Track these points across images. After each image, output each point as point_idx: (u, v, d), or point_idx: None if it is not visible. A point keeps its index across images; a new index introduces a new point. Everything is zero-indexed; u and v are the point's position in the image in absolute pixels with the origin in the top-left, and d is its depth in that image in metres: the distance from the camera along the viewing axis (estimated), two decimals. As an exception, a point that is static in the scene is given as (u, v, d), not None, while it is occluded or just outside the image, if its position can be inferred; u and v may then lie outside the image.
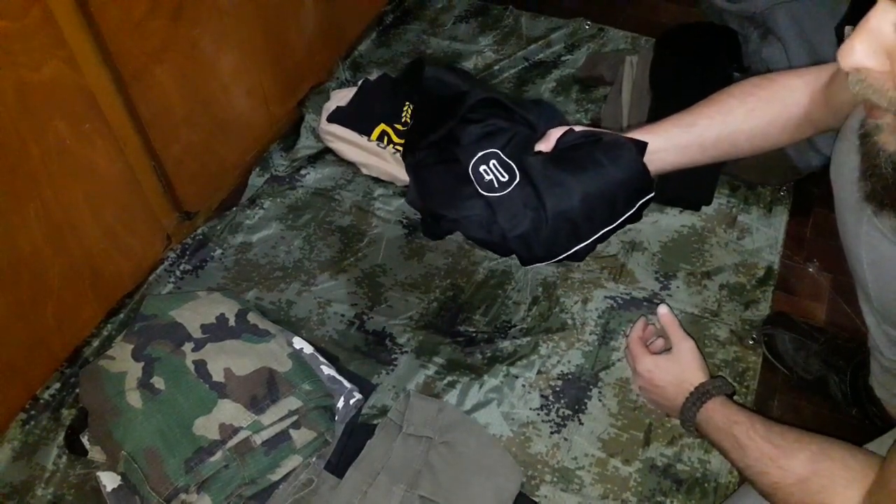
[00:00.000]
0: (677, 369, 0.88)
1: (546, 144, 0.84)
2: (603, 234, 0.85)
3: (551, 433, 0.99)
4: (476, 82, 0.90)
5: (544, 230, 0.81)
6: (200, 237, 1.23)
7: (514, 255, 0.87)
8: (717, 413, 0.80)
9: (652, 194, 0.86)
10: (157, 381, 0.92)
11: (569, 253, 0.84)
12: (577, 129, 0.85)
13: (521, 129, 0.85)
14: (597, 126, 1.36)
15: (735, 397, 1.01)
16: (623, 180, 0.82)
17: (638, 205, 0.85)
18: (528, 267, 1.13)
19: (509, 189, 0.80)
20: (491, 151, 0.82)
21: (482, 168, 0.81)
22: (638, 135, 0.85)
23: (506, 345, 1.08)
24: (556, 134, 0.84)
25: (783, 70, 1.17)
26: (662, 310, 0.94)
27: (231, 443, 0.87)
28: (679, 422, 0.89)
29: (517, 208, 0.80)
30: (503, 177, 0.81)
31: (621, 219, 0.84)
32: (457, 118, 0.84)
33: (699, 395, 0.83)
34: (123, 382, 0.92)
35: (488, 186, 0.81)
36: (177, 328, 0.98)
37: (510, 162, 0.81)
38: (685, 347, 0.89)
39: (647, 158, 0.84)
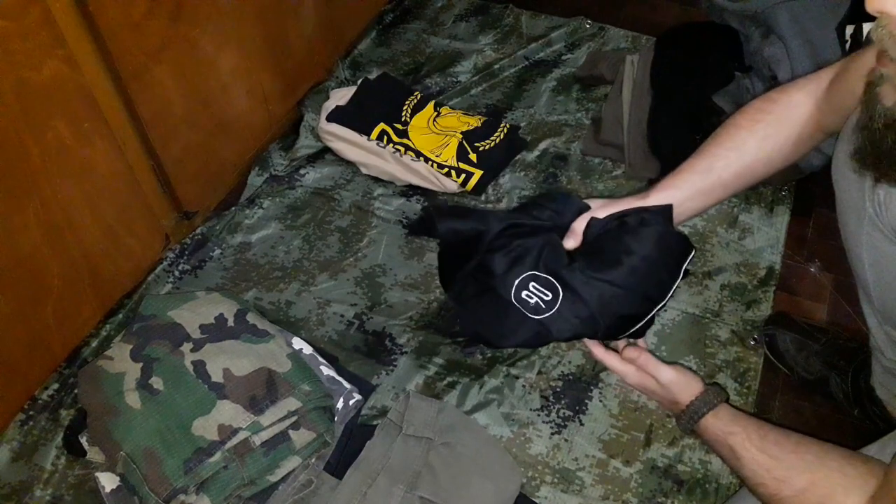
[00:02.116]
0: (664, 392, 0.86)
1: (574, 239, 0.81)
2: (660, 307, 0.83)
3: (552, 434, 0.99)
4: (489, 215, 0.88)
5: (601, 331, 0.80)
6: (199, 237, 1.23)
7: None
8: (710, 427, 0.79)
9: (693, 251, 0.84)
10: (156, 382, 0.91)
11: (630, 332, 0.83)
12: (599, 214, 0.81)
13: (546, 237, 0.83)
14: (597, 125, 1.37)
15: (737, 398, 1.02)
16: (659, 258, 0.80)
17: (684, 268, 0.83)
18: None
19: (557, 306, 0.78)
20: (527, 276, 0.79)
21: (524, 294, 0.79)
22: (659, 194, 0.82)
23: (506, 345, 1.08)
24: (580, 226, 0.81)
25: (784, 74, 1.17)
26: (630, 353, 0.89)
27: (230, 443, 0.87)
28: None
29: (571, 321, 0.79)
30: (546, 296, 0.79)
31: (673, 288, 0.82)
32: (481, 254, 0.83)
33: (690, 415, 0.82)
34: (122, 383, 0.92)
35: (535, 309, 0.79)
36: (175, 328, 0.97)
37: (549, 278, 0.80)
38: (665, 378, 0.86)
39: (674, 214, 0.81)
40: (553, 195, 0.88)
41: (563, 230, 0.83)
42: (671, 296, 0.82)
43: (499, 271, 0.81)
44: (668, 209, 0.81)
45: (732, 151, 0.83)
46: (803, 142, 0.83)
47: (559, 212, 0.85)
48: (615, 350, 0.89)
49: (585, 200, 0.84)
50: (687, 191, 0.83)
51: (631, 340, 0.90)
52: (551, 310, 0.79)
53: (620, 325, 0.81)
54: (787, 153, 0.83)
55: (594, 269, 0.79)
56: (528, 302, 0.79)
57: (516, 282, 0.80)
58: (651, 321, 0.83)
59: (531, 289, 0.79)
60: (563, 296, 0.79)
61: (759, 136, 0.82)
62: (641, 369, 0.85)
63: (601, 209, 0.82)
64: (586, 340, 0.91)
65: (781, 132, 0.82)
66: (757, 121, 0.83)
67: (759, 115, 0.83)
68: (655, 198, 0.82)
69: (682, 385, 0.84)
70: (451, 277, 0.87)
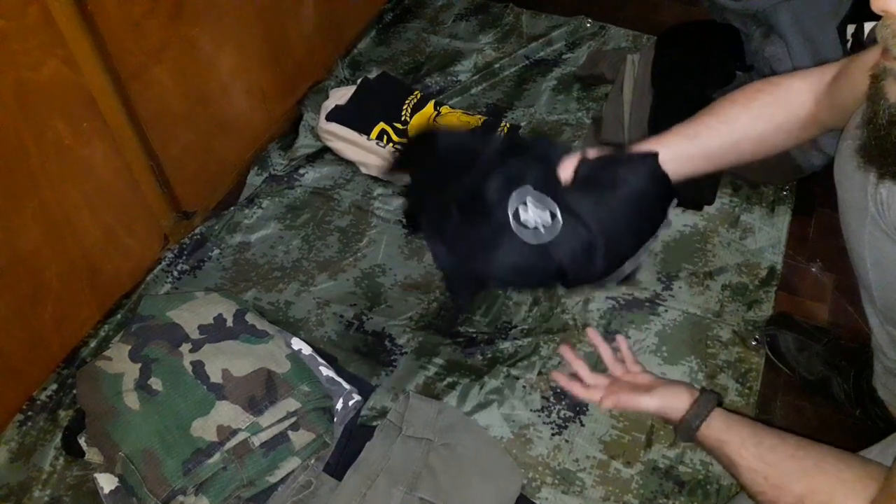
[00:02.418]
0: (655, 414, 0.87)
1: (564, 175, 0.82)
2: (649, 244, 0.83)
3: (552, 435, 0.99)
4: (486, 136, 0.87)
5: (599, 257, 0.79)
6: (198, 237, 1.22)
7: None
8: (705, 439, 0.79)
9: (676, 197, 0.84)
10: (155, 383, 0.91)
11: (622, 275, 0.82)
12: (590, 154, 0.83)
13: (539, 165, 0.83)
14: (598, 124, 1.37)
15: (738, 399, 1.01)
16: (652, 192, 0.80)
17: (671, 210, 0.83)
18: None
19: (556, 231, 0.78)
20: (524, 189, 0.78)
21: (522, 217, 0.79)
22: (644, 148, 0.83)
23: (506, 346, 1.07)
24: (570, 164, 0.82)
25: (785, 73, 1.16)
26: (608, 403, 0.87)
27: (229, 444, 0.87)
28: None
29: (568, 244, 0.78)
30: (545, 218, 0.78)
31: (660, 228, 0.82)
32: (472, 175, 0.82)
33: (684, 430, 0.82)
34: (121, 383, 0.92)
35: (533, 233, 0.78)
36: (174, 329, 0.97)
37: (546, 200, 0.79)
38: (651, 408, 0.86)
39: None
40: (536, 139, 0.88)
41: (550, 171, 0.83)
42: (658, 237, 0.81)
43: (492, 192, 0.79)
44: (655, 154, 0.81)
45: (723, 124, 0.82)
46: (796, 131, 0.82)
47: (546, 152, 0.85)
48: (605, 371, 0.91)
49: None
50: (669, 152, 0.82)
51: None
52: (550, 234, 0.77)
53: (615, 260, 0.79)
54: (778, 139, 0.83)
55: (592, 195, 0.78)
56: (527, 226, 0.78)
57: (513, 196, 0.78)
58: (639, 266, 0.82)
59: (529, 205, 0.78)
60: (563, 220, 0.77)
61: (752, 114, 0.82)
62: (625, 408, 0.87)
63: (588, 153, 0.82)
64: (563, 383, 0.92)
65: (776, 115, 0.82)
66: (753, 99, 0.82)
67: (757, 95, 0.83)
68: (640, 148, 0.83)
69: (669, 404, 0.84)
70: (424, 208, 0.85)
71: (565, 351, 1.00)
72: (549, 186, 0.80)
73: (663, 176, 0.81)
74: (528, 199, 0.78)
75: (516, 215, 0.78)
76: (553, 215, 0.78)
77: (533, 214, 0.78)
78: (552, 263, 0.78)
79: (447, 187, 0.83)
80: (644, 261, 0.84)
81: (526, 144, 0.87)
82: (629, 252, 0.81)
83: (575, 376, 0.93)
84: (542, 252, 0.78)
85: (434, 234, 0.85)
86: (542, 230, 0.77)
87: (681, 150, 0.83)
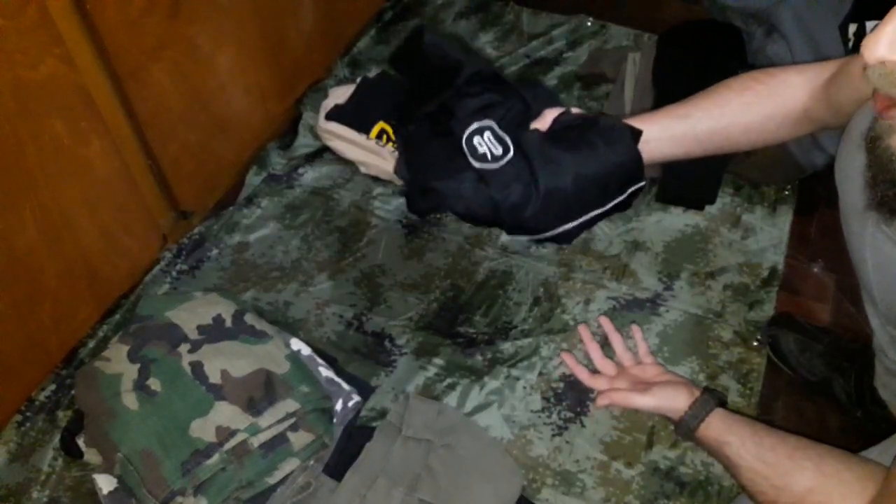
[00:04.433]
0: (655, 413, 0.87)
1: (542, 123, 0.83)
2: (592, 217, 0.84)
3: (553, 436, 0.98)
4: (475, 55, 0.89)
5: (534, 204, 0.80)
6: (197, 237, 1.22)
7: (509, 245, 0.86)
8: (704, 439, 0.79)
9: (643, 183, 0.85)
10: (153, 383, 0.91)
11: (556, 232, 0.83)
12: (574, 111, 0.84)
13: (516, 104, 0.85)
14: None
15: (739, 400, 1.01)
16: (617, 164, 0.81)
17: (629, 192, 0.84)
18: (530, 264, 1.14)
19: (502, 162, 0.80)
20: (486, 124, 0.82)
21: (476, 140, 0.81)
22: (632, 123, 0.83)
23: (506, 346, 1.07)
24: (552, 114, 0.83)
25: (785, 66, 1.16)
26: (601, 403, 0.91)
27: (228, 445, 0.87)
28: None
29: (509, 180, 0.80)
30: (496, 150, 0.81)
31: (611, 203, 0.83)
32: (452, 89, 0.84)
33: (684, 430, 0.82)
34: (119, 384, 0.91)
35: (481, 158, 0.81)
36: (173, 329, 0.97)
37: (504, 136, 0.81)
38: (648, 407, 0.88)
39: (640, 147, 0.83)
40: (539, 85, 0.90)
41: (536, 115, 0.85)
42: (605, 212, 0.83)
43: (460, 114, 0.82)
44: (637, 131, 0.82)
45: (714, 108, 0.82)
46: (788, 124, 0.82)
47: (537, 98, 0.87)
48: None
49: None
50: (658, 130, 0.82)
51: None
52: (497, 163, 0.80)
53: (552, 209, 0.81)
54: (768, 129, 0.82)
55: (553, 144, 0.80)
56: (477, 149, 0.80)
57: (474, 126, 0.81)
58: (579, 230, 0.83)
59: (485, 138, 0.81)
60: (512, 154, 0.80)
61: (744, 101, 0.81)
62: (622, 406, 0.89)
63: (572, 110, 0.84)
64: (571, 364, 0.93)
65: (768, 105, 0.81)
66: (748, 87, 0.82)
67: (752, 84, 0.82)
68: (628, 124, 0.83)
69: (668, 404, 0.85)
70: (408, 119, 0.88)
71: (583, 330, 1.01)
72: (514, 124, 0.82)
73: (635, 155, 0.82)
74: (488, 132, 0.81)
75: (470, 139, 0.80)
76: (506, 150, 0.79)
77: (487, 142, 0.80)
78: (492, 197, 0.80)
79: (425, 100, 0.85)
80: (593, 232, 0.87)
81: (520, 83, 0.87)
82: (572, 214, 0.82)
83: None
84: (486, 181, 0.80)
85: (403, 143, 0.88)
86: (489, 156, 0.79)
87: (670, 130, 0.83)
